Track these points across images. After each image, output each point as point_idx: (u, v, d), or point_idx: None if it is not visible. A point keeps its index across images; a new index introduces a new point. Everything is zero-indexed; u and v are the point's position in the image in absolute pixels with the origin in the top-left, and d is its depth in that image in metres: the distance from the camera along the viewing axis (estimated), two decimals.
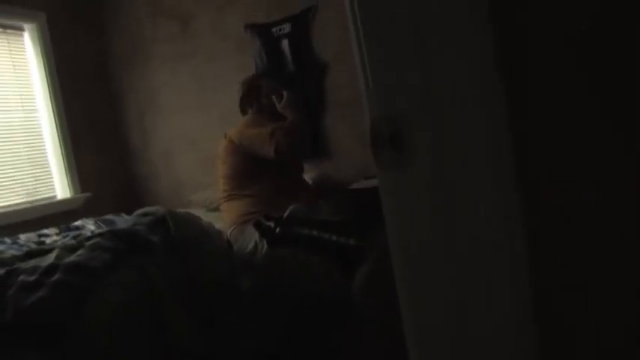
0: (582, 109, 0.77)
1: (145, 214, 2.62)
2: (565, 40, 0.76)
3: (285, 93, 3.16)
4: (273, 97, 3.18)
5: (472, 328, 0.84)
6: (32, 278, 2.13)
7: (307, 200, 2.95)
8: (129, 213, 3.69)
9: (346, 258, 2.47)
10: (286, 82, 3.81)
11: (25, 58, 4.26)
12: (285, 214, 2.69)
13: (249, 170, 3.02)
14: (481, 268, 0.79)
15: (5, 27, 4.10)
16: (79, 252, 2.25)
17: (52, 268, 2.16)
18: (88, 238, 2.42)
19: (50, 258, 2.24)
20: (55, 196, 4.33)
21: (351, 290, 2.36)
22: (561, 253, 0.82)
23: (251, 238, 2.71)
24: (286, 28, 4.07)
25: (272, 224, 2.67)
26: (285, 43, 4.09)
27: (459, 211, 0.78)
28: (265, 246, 2.64)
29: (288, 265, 2.52)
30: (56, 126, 4.32)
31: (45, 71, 4.28)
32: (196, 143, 4.57)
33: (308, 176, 3.56)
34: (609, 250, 0.79)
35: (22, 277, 2.15)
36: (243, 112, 3.37)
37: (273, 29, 4.11)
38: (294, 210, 2.70)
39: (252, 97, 3.32)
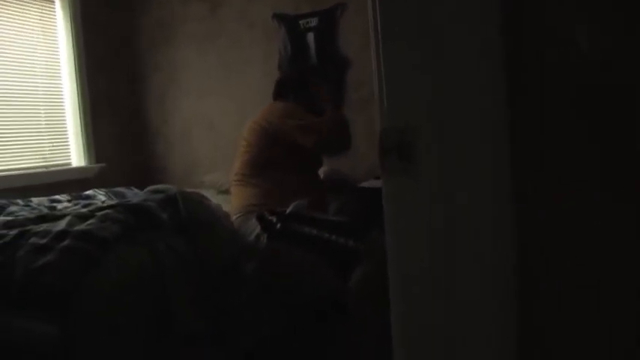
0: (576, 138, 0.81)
1: (156, 191, 2.67)
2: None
3: (326, 88, 3.10)
4: (317, 90, 3.09)
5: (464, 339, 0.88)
6: (43, 242, 2.19)
7: (316, 199, 2.92)
8: (141, 188, 3.75)
9: (344, 258, 2.50)
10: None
11: (55, 26, 4.33)
12: (288, 211, 2.67)
13: (272, 158, 2.93)
14: (477, 279, 0.83)
15: None
16: (90, 221, 2.31)
17: (63, 234, 2.22)
18: (100, 209, 2.48)
19: (62, 224, 2.30)
20: (69, 163, 4.40)
21: (347, 291, 2.40)
22: (550, 265, 0.86)
23: (253, 230, 2.70)
24: (313, 21, 4.10)
25: (274, 219, 2.66)
26: (310, 37, 4.13)
27: (459, 222, 0.83)
28: (265, 240, 2.65)
29: (284, 261, 2.54)
30: (78, 95, 4.38)
31: (72, 41, 4.35)
32: (214, 126, 4.62)
33: (320, 170, 3.58)
34: (599, 262, 0.83)
35: (33, 240, 2.21)
36: (277, 96, 3.20)
37: (301, 21, 4.15)
38: (297, 207, 2.69)
39: (298, 85, 3.17)
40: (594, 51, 0.81)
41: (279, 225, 2.61)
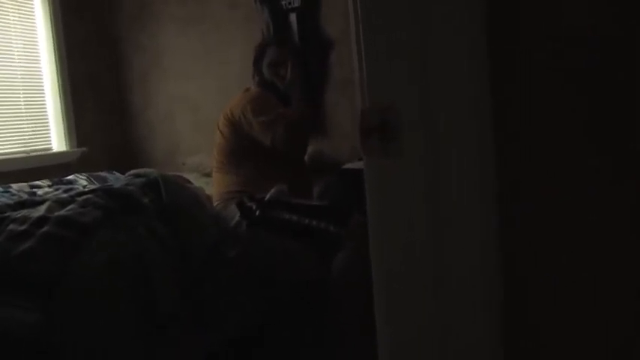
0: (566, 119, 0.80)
1: (138, 175, 2.64)
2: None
3: (290, 65, 3.00)
4: (281, 68, 3.02)
5: (448, 322, 0.87)
6: (22, 228, 2.16)
7: (298, 183, 2.89)
8: (123, 172, 3.71)
9: (325, 243, 2.48)
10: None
11: (32, 8, 4.24)
12: (267, 197, 2.64)
13: (244, 148, 2.90)
14: (463, 263, 0.82)
15: None
16: (70, 207, 2.28)
17: (42, 220, 2.19)
18: (80, 194, 2.45)
19: (41, 210, 2.27)
20: (50, 148, 4.34)
21: (329, 275, 2.39)
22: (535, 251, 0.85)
23: (233, 217, 2.66)
24: (296, 2, 4.05)
25: (253, 205, 2.63)
26: (292, 17, 4.08)
27: (444, 204, 0.81)
28: (245, 227, 2.62)
29: (264, 246, 2.52)
30: (58, 78, 4.31)
31: (50, 23, 4.26)
32: (197, 108, 4.58)
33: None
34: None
35: (11, 226, 2.18)
36: (252, 77, 3.19)
37: (283, 2, 4.09)
38: (277, 193, 2.66)
39: (258, 64, 3.13)
40: (586, 34, 0.79)
41: (258, 212, 2.59)
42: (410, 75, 0.78)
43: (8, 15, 4.05)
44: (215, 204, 2.87)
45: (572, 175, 0.79)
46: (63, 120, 4.35)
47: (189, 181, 3.58)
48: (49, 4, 4.25)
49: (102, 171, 3.73)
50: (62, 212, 2.23)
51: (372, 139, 0.80)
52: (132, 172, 2.84)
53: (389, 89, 0.80)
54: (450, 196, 0.80)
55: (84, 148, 4.44)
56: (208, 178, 3.54)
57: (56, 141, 4.37)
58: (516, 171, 0.82)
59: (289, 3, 4.08)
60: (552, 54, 0.78)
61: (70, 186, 3.23)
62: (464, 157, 0.78)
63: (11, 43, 4.07)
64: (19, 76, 4.12)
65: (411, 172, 0.80)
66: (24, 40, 4.17)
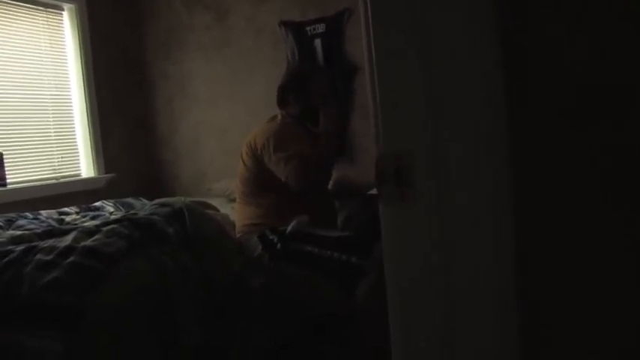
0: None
1: (163, 205, 2.66)
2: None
3: (326, 85, 2.92)
4: (318, 88, 2.91)
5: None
6: (48, 258, 2.19)
7: (322, 213, 2.85)
8: (150, 197, 3.75)
9: (347, 275, 2.45)
10: None
11: (63, 37, 4.33)
12: (288, 230, 2.60)
13: (266, 179, 2.82)
14: (478, 312, 0.80)
15: (46, 6, 4.17)
16: (96, 237, 2.30)
17: (68, 250, 2.22)
18: (106, 223, 2.47)
19: (67, 240, 2.30)
20: (79, 174, 4.40)
21: (352, 306, 2.37)
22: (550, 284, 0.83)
23: (254, 250, 2.65)
24: (320, 27, 4.08)
25: (275, 239, 2.60)
26: (317, 43, 4.10)
27: (459, 251, 0.80)
28: (267, 260, 2.60)
29: (287, 278, 2.51)
30: (86, 106, 4.38)
31: (80, 51, 4.35)
32: (222, 133, 4.61)
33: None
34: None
35: (39, 256, 2.21)
36: (280, 103, 3.06)
37: (307, 28, 4.12)
38: (298, 224, 2.62)
39: (293, 93, 2.98)
40: (594, 57, 0.78)
41: (279, 245, 2.57)
42: (424, 122, 0.77)
43: (40, 43, 4.14)
44: (237, 235, 2.86)
45: (590, 222, 0.78)
46: (91, 146, 4.41)
47: (215, 208, 3.60)
48: (78, 32, 4.34)
49: (129, 197, 3.77)
50: (88, 242, 2.25)
51: (388, 186, 0.79)
52: (157, 201, 2.86)
53: (404, 134, 0.79)
54: (465, 242, 0.78)
55: (112, 174, 4.50)
56: (234, 203, 3.54)
57: (85, 167, 4.44)
58: (535, 215, 0.81)
59: (314, 29, 4.11)
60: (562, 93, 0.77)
61: (97, 213, 3.27)
62: (480, 204, 0.77)
63: (42, 71, 4.15)
64: (50, 104, 4.20)
65: (426, 219, 0.79)
66: (55, 68, 4.26)
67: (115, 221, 2.46)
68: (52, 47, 4.23)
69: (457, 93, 0.77)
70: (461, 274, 0.80)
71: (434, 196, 0.79)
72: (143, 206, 3.24)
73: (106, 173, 4.48)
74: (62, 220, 3.08)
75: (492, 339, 0.81)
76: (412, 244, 0.81)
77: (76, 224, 2.82)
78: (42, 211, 3.22)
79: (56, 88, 4.27)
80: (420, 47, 0.77)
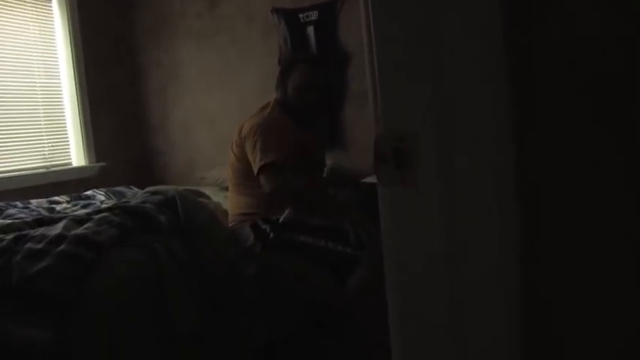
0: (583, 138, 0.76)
1: (155, 193, 2.62)
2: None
3: (318, 94, 2.85)
4: (309, 94, 2.83)
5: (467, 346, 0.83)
6: (39, 246, 2.16)
7: (316, 201, 2.82)
8: (141, 186, 3.71)
9: (341, 265, 2.44)
10: None
11: (52, 24, 4.28)
12: (281, 219, 2.57)
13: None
14: (481, 296, 0.78)
15: None
16: (87, 225, 2.27)
17: (59, 238, 2.18)
18: (97, 212, 2.44)
19: (58, 228, 2.26)
20: (70, 163, 4.36)
21: (347, 296, 2.35)
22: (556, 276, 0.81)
23: (247, 239, 2.60)
24: (313, 15, 4.04)
25: (267, 228, 2.57)
26: (310, 30, 4.07)
27: (460, 235, 0.77)
28: (259, 249, 2.57)
29: (281, 267, 2.49)
30: (77, 94, 4.34)
31: (70, 39, 4.30)
32: (214, 122, 4.58)
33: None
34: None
35: (29, 245, 2.17)
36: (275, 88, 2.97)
37: (300, 15, 4.08)
38: (290, 213, 2.58)
39: (284, 81, 2.89)
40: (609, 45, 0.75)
41: (272, 234, 2.54)
42: (426, 98, 0.75)
43: (29, 31, 4.08)
44: (230, 224, 2.83)
45: (600, 205, 0.75)
46: (82, 135, 4.37)
47: (208, 196, 3.57)
48: (68, 20, 4.28)
49: (120, 185, 3.73)
50: (79, 231, 2.22)
51: (387, 168, 0.77)
52: (149, 189, 2.83)
53: (405, 114, 0.77)
54: (467, 229, 0.76)
55: (103, 163, 4.46)
56: (227, 192, 3.51)
57: (75, 156, 4.40)
58: (540, 199, 0.78)
59: (307, 16, 4.07)
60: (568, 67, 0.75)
61: (87, 201, 3.23)
62: (484, 188, 0.75)
63: (32, 59, 4.10)
64: (40, 92, 4.15)
65: (427, 204, 0.77)
66: (44, 56, 4.21)
67: (107, 209, 2.43)
68: (41, 35, 4.19)
69: (461, 71, 0.74)
70: (465, 262, 0.77)
71: (436, 179, 0.76)
72: (135, 195, 3.21)
73: (97, 162, 4.44)
74: (52, 209, 3.03)
75: (496, 336, 0.79)
76: (413, 232, 0.79)
77: (66, 213, 2.78)
78: (32, 200, 3.18)
79: (46, 76, 4.22)
80: (424, 24, 0.74)
